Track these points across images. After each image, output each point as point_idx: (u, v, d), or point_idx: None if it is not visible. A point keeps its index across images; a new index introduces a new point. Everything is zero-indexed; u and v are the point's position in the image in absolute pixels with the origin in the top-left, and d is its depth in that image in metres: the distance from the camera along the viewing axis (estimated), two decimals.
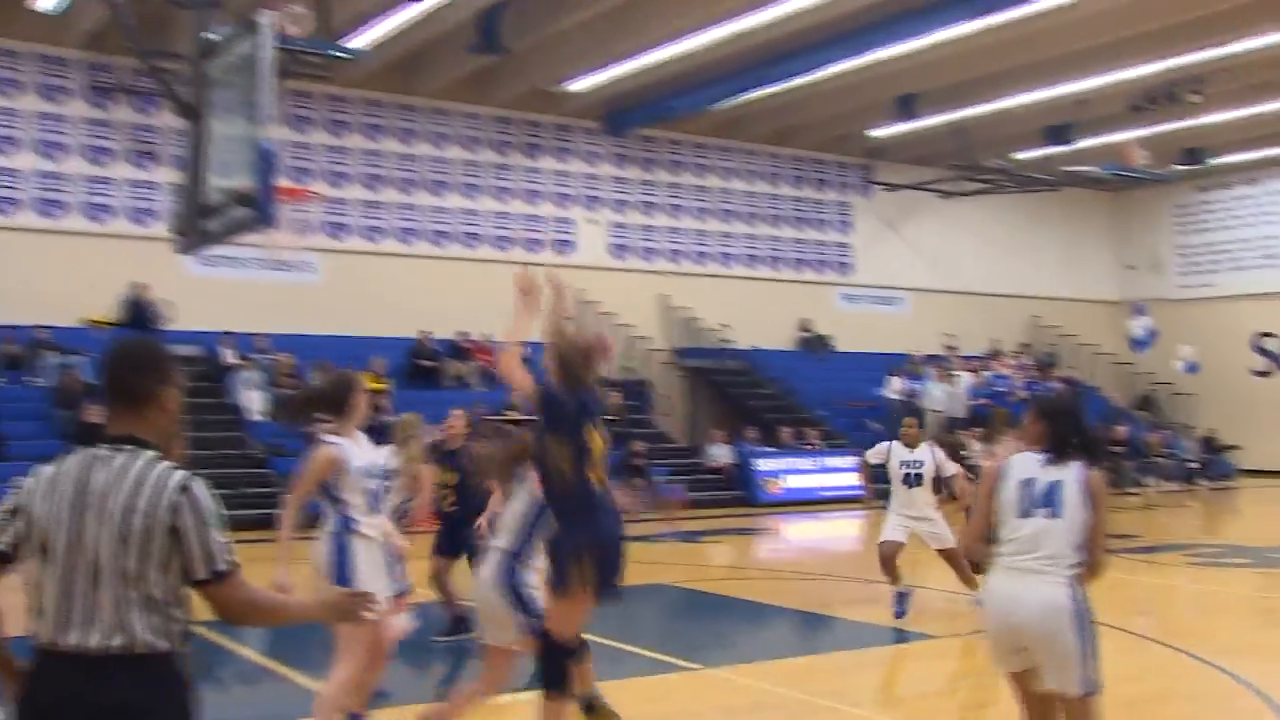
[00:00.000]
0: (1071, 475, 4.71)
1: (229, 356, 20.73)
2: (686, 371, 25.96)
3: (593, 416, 5.17)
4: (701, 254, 27.00)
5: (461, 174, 24.39)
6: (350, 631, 5.65)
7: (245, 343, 21.00)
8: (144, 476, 2.95)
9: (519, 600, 5.68)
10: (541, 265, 24.60)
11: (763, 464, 22.87)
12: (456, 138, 24.31)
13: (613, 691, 7.67)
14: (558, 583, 5.22)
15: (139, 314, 20.89)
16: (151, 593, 2.92)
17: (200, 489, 2.97)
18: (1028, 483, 4.74)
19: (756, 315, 26.69)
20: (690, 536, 18.06)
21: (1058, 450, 4.75)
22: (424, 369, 22.34)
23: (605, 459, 5.21)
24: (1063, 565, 4.63)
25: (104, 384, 3.12)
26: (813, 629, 10.50)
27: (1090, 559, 4.67)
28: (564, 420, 5.10)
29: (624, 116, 24.91)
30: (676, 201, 26.81)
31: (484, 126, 24.58)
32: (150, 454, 3.00)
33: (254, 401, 19.83)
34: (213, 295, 21.32)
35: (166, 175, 21.17)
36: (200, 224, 9.47)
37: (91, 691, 2.87)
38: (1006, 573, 4.70)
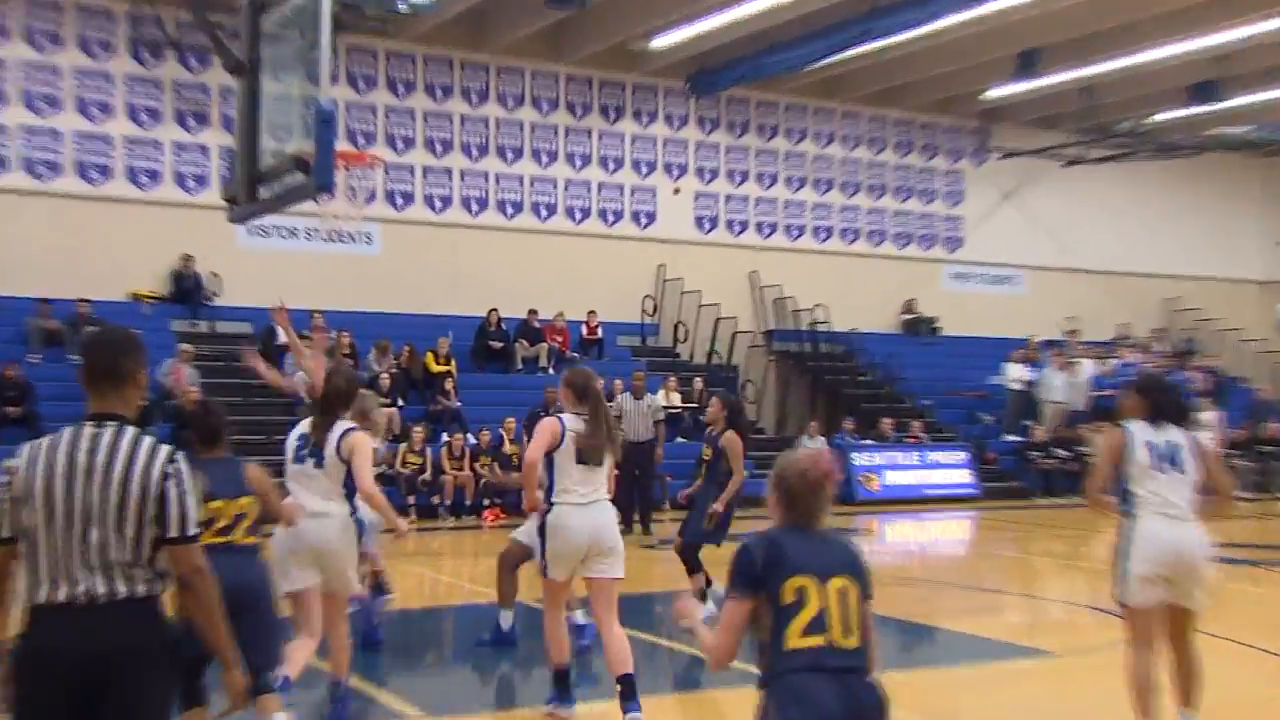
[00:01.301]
0: (1183, 438, 6.36)
1: (282, 334, 20.84)
2: (777, 356, 25.91)
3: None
4: (795, 227, 26.86)
5: (534, 139, 24.48)
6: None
7: (299, 319, 20.98)
8: (136, 450, 3.77)
9: None
10: (616, 238, 25.45)
11: (860, 458, 22.76)
12: (529, 99, 24.40)
13: (699, 706, 7.60)
14: None
15: (186, 288, 21.33)
16: (139, 549, 3.73)
17: (183, 462, 3.82)
18: (1151, 445, 6.31)
19: (855, 295, 26.52)
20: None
21: (1157, 419, 6.35)
22: (492, 350, 22.48)
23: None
24: (1192, 510, 6.29)
25: (88, 367, 3.89)
26: (918, 641, 10.40)
27: (1213, 505, 6.38)
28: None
29: (711, 76, 24.83)
30: (768, 169, 26.68)
31: (559, 87, 24.64)
32: (134, 430, 3.81)
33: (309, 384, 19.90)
34: (265, 268, 21.60)
35: (217, 138, 21.51)
36: (253, 191, 9.55)
37: (87, 636, 3.63)
38: (1160, 519, 6.24)
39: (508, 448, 19.35)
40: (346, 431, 6.83)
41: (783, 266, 26.22)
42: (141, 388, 3.92)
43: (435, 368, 21.16)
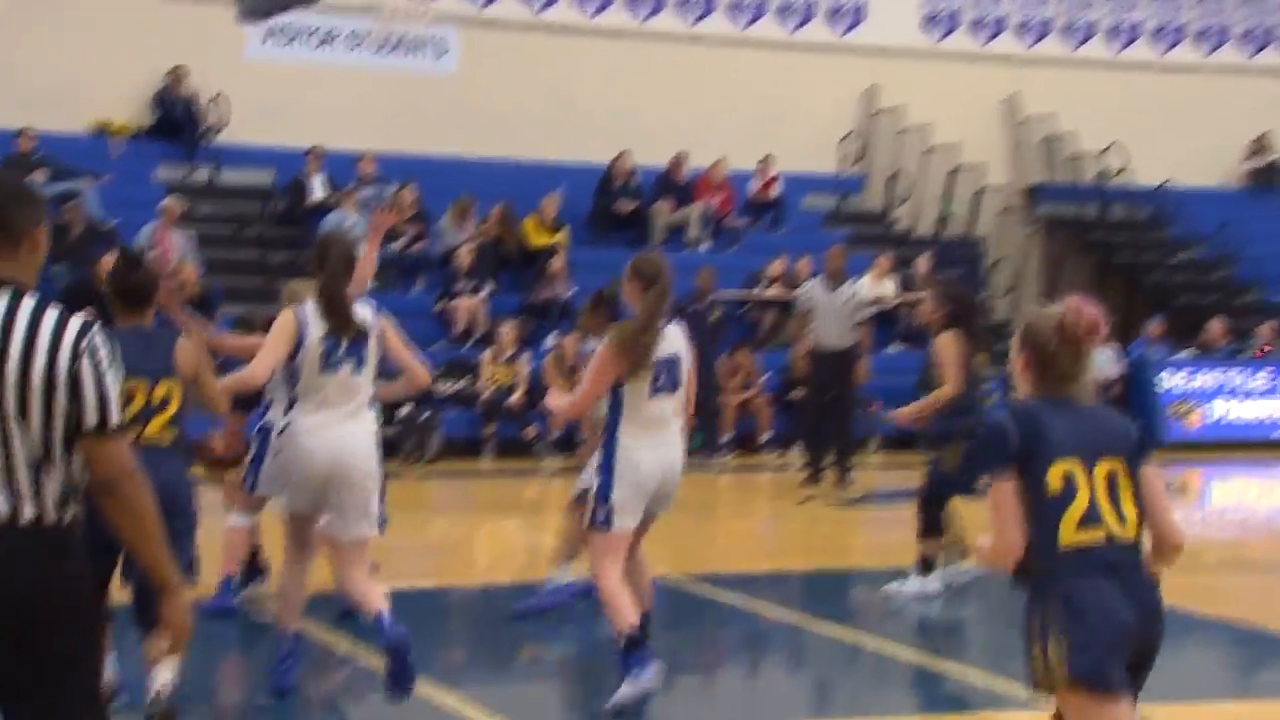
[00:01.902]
0: None
1: (317, 188, 21.07)
2: (1045, 224, 25.69)
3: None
4: (1078, 26, 26.53)
5: None
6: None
7: (341, 167, 21.31)
8: (37, 322, 4.14)
9: None
10: (802, 48, 25.07)
11: (1173, 380, 22.38)
12: None
13: None
14: None
15: (176, 117, 21.41)
16: (49, 450, 4.11)
17: (98, 335, 4.19)
18: None
19: (1171, 130, 25.85)
20: None
21: None
22: (621, 214, 22.40)
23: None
24: None
25: None
26: (1263, 657, 10.37)
27: None
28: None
29: None
30: None
31: None
32: (35, 298, 4.20)
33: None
34: (291, 91, 21.60)
35: None
36: None
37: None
38: None
39: None
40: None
41: (1057, 89, 25.71)
42: (40, 249, 4.34)
43: (538, 239, 21.16)
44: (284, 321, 7.56)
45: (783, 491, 17.39)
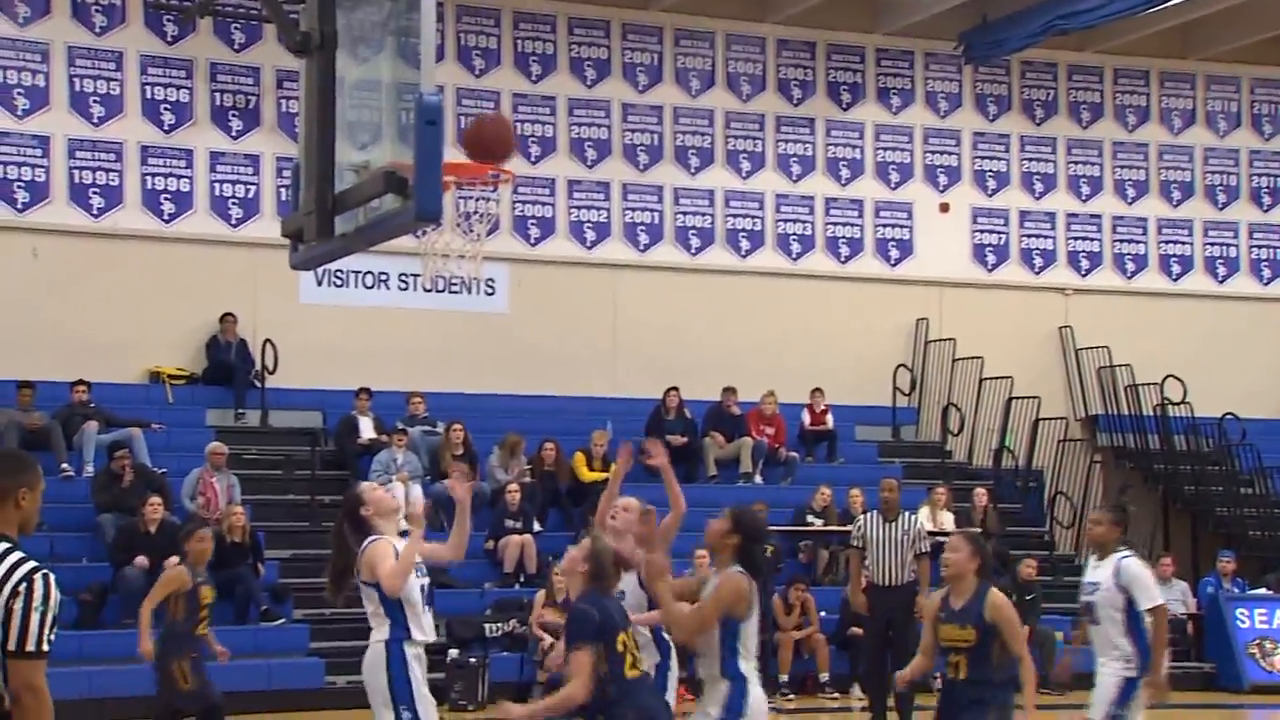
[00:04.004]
0: None
1: (366, 428, 21.37)
2: (1106, 455, 25.57)
3: None
4: (1130, 257, 26.65)
5: (728, 134, 24.75)
6: None
7: (391, 407, 21.64)
8: None
9: None
10: (853, 280, 25.30)
11: (1247, 617, 22.15)
12: (720, 75, 24.72)
13: None
14: None
15: (226, 363, 21.82)
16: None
17: (41, 580, 5.46)
18: None
19: (1228, 362, 26.03)
20: None
21: None
22: (672, 449, 22.33)
23: None
24: None
25: None
26: None
27: None
28: None
29: (997, 32, 24.70)
30: (1086, 170, 26.55)
31: (765, 57, 24.91)
32: (4, 545, 5.48)
33: (405, 500, 19.35)
34: (340, 333, 22.06)
35: (271, 143, 22.20)
36: (326, 221, 9.74)
37: None
38: None
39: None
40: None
41: (1111, 318, 25.97)
42: (24, 508, 5.64)
43: (588, 474, 21.23)
44: None
45: None
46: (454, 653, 18.24)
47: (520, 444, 21.22)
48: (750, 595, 7.65)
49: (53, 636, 5.46)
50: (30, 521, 5.72)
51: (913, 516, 18.30)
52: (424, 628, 8.86)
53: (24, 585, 5.40)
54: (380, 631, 8.79)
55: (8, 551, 5.49)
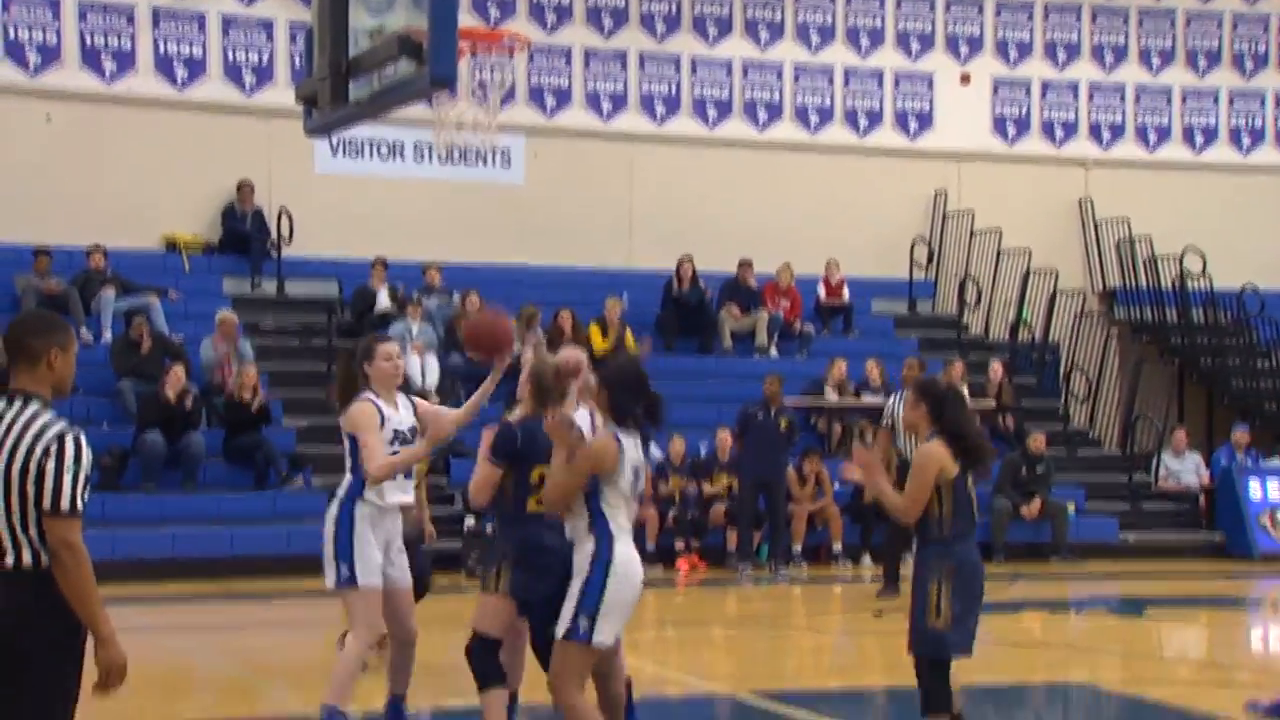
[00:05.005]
0: None
1: (383, 298, 21.55)
2: (1123, 328, 25.65)
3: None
4: (1154, 128, 26.71)
5: (747, 5, 24.77)
6: (354, 606, 8.88)
7: (407, 277, 21.83)
8: (28, 425, 5.66)
9: None
10: (871, 152, 25.15)
11: (1262, 488, 22.37)
12: None
13: None
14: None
15: (243, 231, 22.04)
16: (25, 521, 5.60)
17: (71, 441, 5.65)
18: None
19: (1248, 234, 26.09)
20: (1134, 605, 17.87)
21: None
22: (686, 320, 22.82)
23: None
24: None
25: (4, 345, 5.94)
26: None
27: None
28: None
29: None
30: (1111, 38, 26.58)
31: None
32: (36, 406, 5.72)
33: (420, 371, 20.22)
34: (357, 202, 22.22)
35: (285, 9, 22.28)
36: (340, 88, 9.81)
37: None
38: None
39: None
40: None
41: (1132, 190, 25.97)
42: (56, 369, 5.80)
43: (601, 344, 21.23)
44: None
45: (856, 604, 17.28)
46: (470, 521, 18.38)
47: (536, 315, 21.08)
48: (618, 454, 7.56)
49: (86, 496, 5.66)
50: (64, 383, 5.88)
51: None
52: (382, 492, 8.95)
53: (55, 445, 5.59)
54: (341, 488, 9.01)
55: (38, 413, 5.69)
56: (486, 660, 8.35)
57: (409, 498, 9.33)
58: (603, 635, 7.49)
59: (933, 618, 7.96)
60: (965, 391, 21.20)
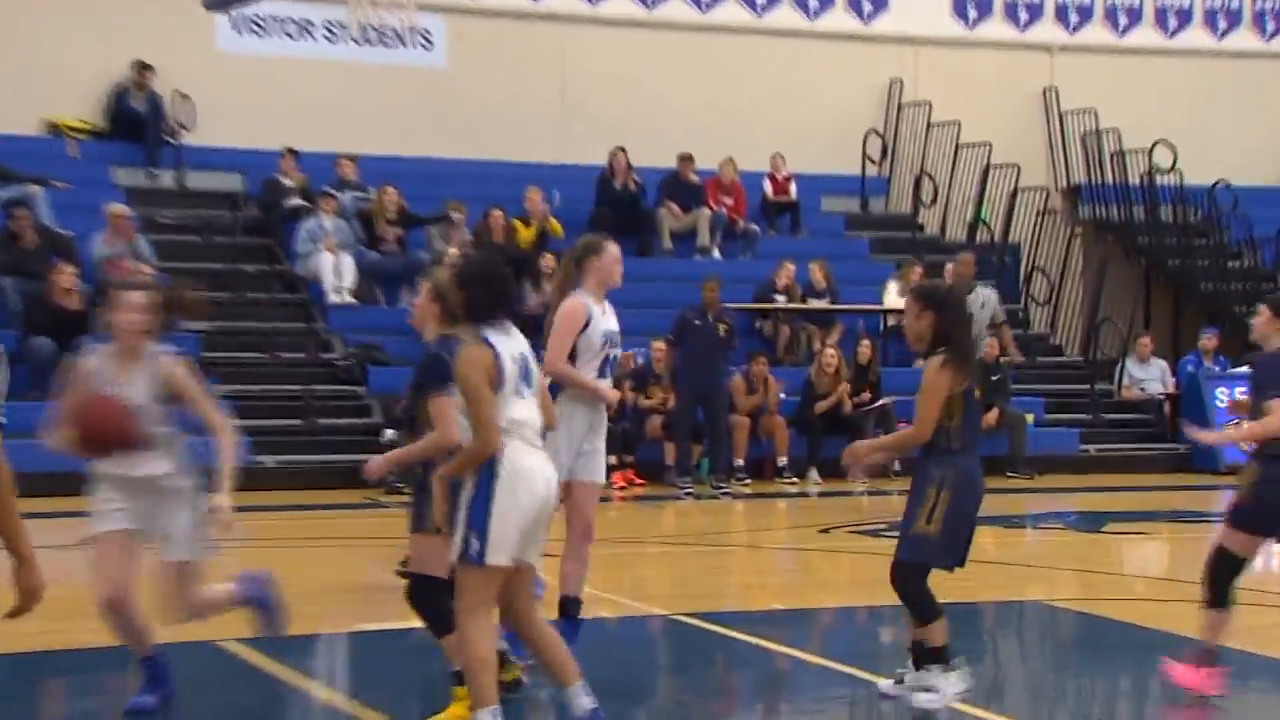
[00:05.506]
0: None
1: (292, 192, 21.01)
2: (1088, 228, 25.68)
3: None
4: (1123, 10, 26.61)
5: None
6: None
7: (318, 169, 21.26)
8: None
9: None
10: (822, 36, 24.88)
11: (1230, 395, 21.25)
12: None
13: None
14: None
15: (137, 116, 21.25)
16: None
17: None
18: None
19: (1223, 126, 26.08)
20: (1094, 520, 17.75)
21: None
22: (621, 218, 22.08)
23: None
24: None
25: None
26: None
27: None
28: None
29: None
30: None
31: None
32: None
33: (334, 270, 20.06)
34: (263, 87, 21.60)
35: None
36: None
37: None
38: None
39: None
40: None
41: (1099, 79, 25.94)
42: None
43: (525, 233, 21.03)
44: None
45: (801, 520, 17.35)
46: (389, 433, 17.69)
47: (461, 211, 20.90)
48: (491, 358, 7.07)
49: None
50: None
51: (986, 290, 20.51)
52: None
53: None
54: None
55: None
56: (437, 603, 7.82)
57: None
58: (498, 555, 6.92)
59: (923, 523, 8.12)
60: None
